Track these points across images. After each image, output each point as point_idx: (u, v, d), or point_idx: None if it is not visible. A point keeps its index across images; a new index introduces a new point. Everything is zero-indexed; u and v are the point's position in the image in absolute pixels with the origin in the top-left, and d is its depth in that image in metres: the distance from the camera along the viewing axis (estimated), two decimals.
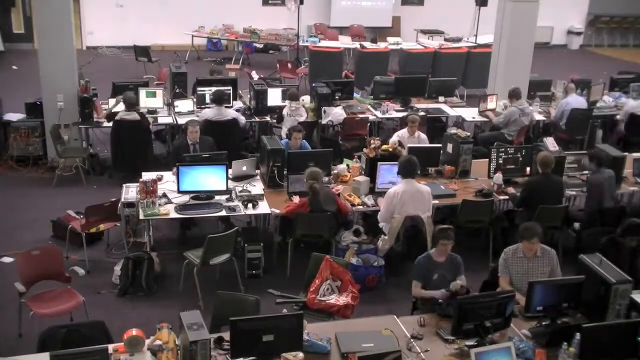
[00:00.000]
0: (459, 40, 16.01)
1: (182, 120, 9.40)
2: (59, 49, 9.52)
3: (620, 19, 20.66)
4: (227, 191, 7.29)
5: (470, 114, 10.72)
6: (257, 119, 10.12)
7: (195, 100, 10.10)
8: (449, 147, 8.21)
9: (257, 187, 7.56)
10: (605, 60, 18.40)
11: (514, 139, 9.78)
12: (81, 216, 7.49)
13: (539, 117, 10.66)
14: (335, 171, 7.96)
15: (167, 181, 7.59)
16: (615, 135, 10.87)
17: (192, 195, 7.19)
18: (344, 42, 15.86)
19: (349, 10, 18.28)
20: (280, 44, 17.10)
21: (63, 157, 9.36)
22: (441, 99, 11.25)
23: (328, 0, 18.24)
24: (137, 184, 7.10)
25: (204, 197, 7.18)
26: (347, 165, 8.21)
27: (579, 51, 20.25)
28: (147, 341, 4.60)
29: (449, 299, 5.18)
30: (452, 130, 8.62)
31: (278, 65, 14.61)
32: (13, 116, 9.95)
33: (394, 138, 8.41)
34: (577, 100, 10.63)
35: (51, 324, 4.97)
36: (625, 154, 8.26)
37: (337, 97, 10.60)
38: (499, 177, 7.77)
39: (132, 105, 9.07)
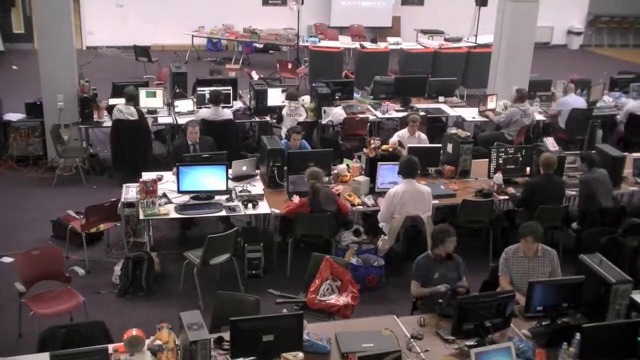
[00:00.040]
0: (459, 40, 16.00)
1: (182, 120, 9.40)
2: (59, 49, 9.52)
3: (620, 19, 20.66)
4: (227, 191, 7.29)
5: (470, 114, 10.72)
6: (257, 119, 10.12)
7: (195, 100, 10.09)
8: (449, 147, 8.21)
9: (257, 187, 7.56)
10: (605, 60, 18.40)
11: (514, 139, 9.78)
12: (81, 216, 7.49)
13: (539, 117, 10.66)
14: (335, 171, 7.96)
15: (167, 181, 7.59)
16: (615, 135, 10.87)
17: (192, 195, 7.19)
18: (344, 42, 15.86)
19: (349, 10, 18.28)
20: (280, 44, 17.10)
21: (63, 157, 9.36)
22: (441, 99, 11.25)
23: (328, 0, 18.24)
24: (137, 184, 7.11)
25: (204, 197, 7.19)
26: (347, 165, 8.21)
27: (579, 51, 20.24)
28: (147, 341, 4.60)
29: (449, 299, 5.17)
30: (452, 130, 8.62)
31: (278, 65, 14.61)
32: (13, 116, 9.96)
33: (394, 138, 8.41)
34: (576, 100, 10.64)
35: (51, 324, 4.97)
36: (625, 154, 8.26)
37: (337, 97, 10.60)
38: (499, 177, 7.77)
39: (131, 98, 9.07)
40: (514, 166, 8.03)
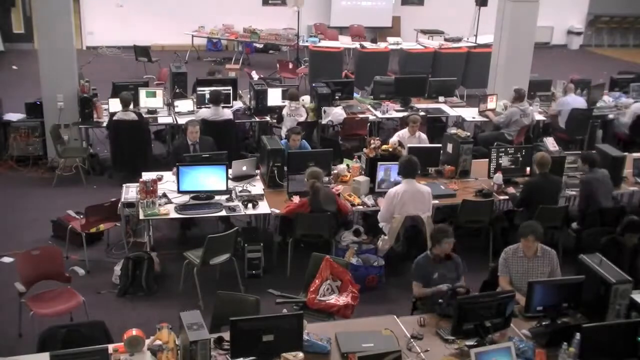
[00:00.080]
0: (459, 40, 16.00)
1: (182, 120, 9.40)
2: (59, 49, 9.52)
3: (620, 19, 20.66)
4: (227, 191, 7.29)
5: (470, 114, 10.72)
6: (257, 119, 10.12)
7: (195, 100, 10.09)
8: (449, 147, 8.21)
9: (257, 187, 7.56)
10: (605, 60, 18.40)
11: (514, 139, 9.79)
12: (81, 216, 7.49)
13: (539, 117, 10.66)
14: (335, 171, 7.96)
15: (167, 181, 7.59)
16: (615, 136, 10.88)
17: (192, 195, 7.19)
18: (344, 42, 15.86)
19: (349, 10, 18.28)
20: (280, 44, 17.11)
21: (63, 157, 9.36)
22: (441, 99, 11.25)
23: (328, 0, 18.24)
24: (137, 184, 7.11)
25: (204, 197, 7.19)
26: (347, 165, 8.21)
27: (579, 51, 20.25)
28: (147, 341, 4.60)
29: (449, 299, 5.17)
30: (452, 130, 8.62)
31: (278, 65, 14.61)
32: (13, 116, 9.96)
33: (394, 138, 8.41)
34: (576, 100, 10.64)
35: (51, 324, 4.97)
36: (625, 154, 8.26)
37: (337, 97, 10.60)
38: (499, 177, 7.77)
39: (126, 103, 9.06)
40: (514, 166, 8.03)
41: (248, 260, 7.03)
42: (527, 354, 4.68)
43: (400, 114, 10.22)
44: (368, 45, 15.20)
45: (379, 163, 7.51)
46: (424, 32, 17.11)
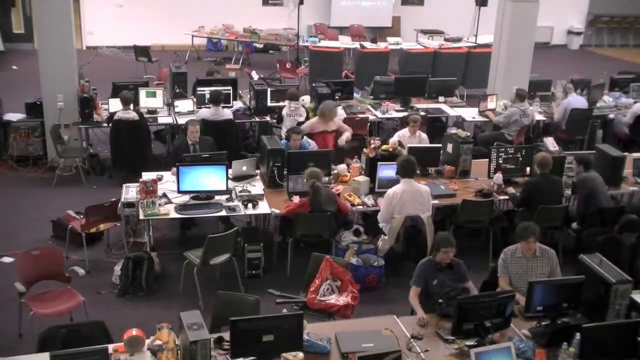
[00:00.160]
0: (459, 40, 16.01)
1: (182, 120, 9.40)
2: (59, 49, 9.51)
3: (620, 19, 20.66)
4: (227, 191, 7.29)
5: (470, 114, 10.72)
6: (257, 119, 10.12)
7: (195, 100, 10.09)
8: (449, 147, 8.22)
9: (257, 187, 7.56)
10: (605, 60, 18.40)
11: (514, 139, 9.79)
12: (81, 216, 7.49)
13: (539, 117, 10.66)
14: (335, 171, 7.96)
15: (167, 181, 7.59)
16: (615, 136, 10.87)
17: (192, 195, 7.19)
18: (344, 42, 15.86)
19: (349, 10, 18.27)
20: (280, 44, 17.10)
21: (63, 157, 9.36)
22: (441, 99, 11.25)
23: (328, 0, 18.24)
24: (137, 184, 7.11)
25: (204, 197, 7.19)
26: (347, 165, 8.21)
27: (579, 51, 20.24)
28: (147, 341, 4.60)
29: (449, 299, 5.17)
30: (452, 130, 8.62)
31: (278, 65, 14.61)
32: (13, 116, 9.96)
33: (395, 138, 8.41)
34: (577, 100, 10.64)
35: (51, 324, 4.97)
36: (625, 154, 8.26)
37: (337, 97, 10.59)
38: (499, 177, 7.77)
39: (127, 102, 9.06)
40: (514, 166, 8.03)
41: (248, 260, 7.03)
42: (527, 354, 4.69)
43: (400, 114, 10.22)
44: (368, 45, 15.20)
45: (378, 163, 7.51)
46: (424, 32, 17.11)
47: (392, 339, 4.80)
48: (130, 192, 7.34)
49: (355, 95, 11.30)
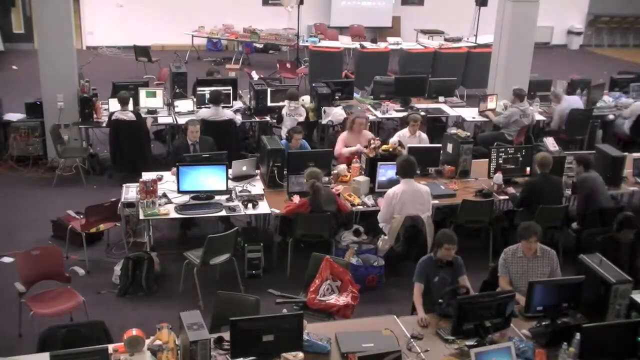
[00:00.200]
0: (459, 40, 16.01)
1: (182, 120, 9.40)
2: (59, 49, 9.51)
3: (620, 19, 20.66)
4: (227, 191, 7.29)
5: (470, 114, 10.72)
6: (257, 119, 10.13)
7: (195, 100, 10.09)
8: (449, 147, 8.22)
9: (257, 187, 7.56)
10: (605, 60, 18.40)
11: (514, 139, 9.79)
12: (81, 216, 7.49)
13: (539, 117, 10.66)
14: (335, 171, 7.96)
15: (167, 181, 7.59)
16: (615, 136, 10.87)
17: (192, 195, 7.19)
18: (344, 42, 15.86)
19: (349, 10, 18.28)
20: (280, 44, 17.10)
21: (63, 157, 9.36)
22: (441, 99, 11.25)
23: (328, 0, 18.24)
24: (137, 184, 7.11)
25: (204, 197, 7.18)
26: (347, 165, 8.21)
27: (579, 51, 20.25)
28: (147, 341, 4.60)
29: (449, 299, 5.17)
30: (452, 130, 8.62)
31: (278, 65, 14.61)
32: (13, 116, 9.96)
33: (395, 138, 8.41)
34: (572, 103, 10.59)
35: (51, 324, 4.97)
36: (625, 154, 8.26)
37: (337, 97, 10.60)
38: (499, 177, 7.77)
39: (124, 102, 9.06)
40: (514, 166, 8.03)
41: (248, 260, 7.03)
42: (527, 354, 4.69)
43: (400, 114, 10.22)
44: (368, 45, 15.20)
45: (378, 163, 7.51)
46: (424, 32, 17.11)
47: (392, 339, 4.80)
48: (130, 192, 7.34)
49: (355, 95, 11.31)
